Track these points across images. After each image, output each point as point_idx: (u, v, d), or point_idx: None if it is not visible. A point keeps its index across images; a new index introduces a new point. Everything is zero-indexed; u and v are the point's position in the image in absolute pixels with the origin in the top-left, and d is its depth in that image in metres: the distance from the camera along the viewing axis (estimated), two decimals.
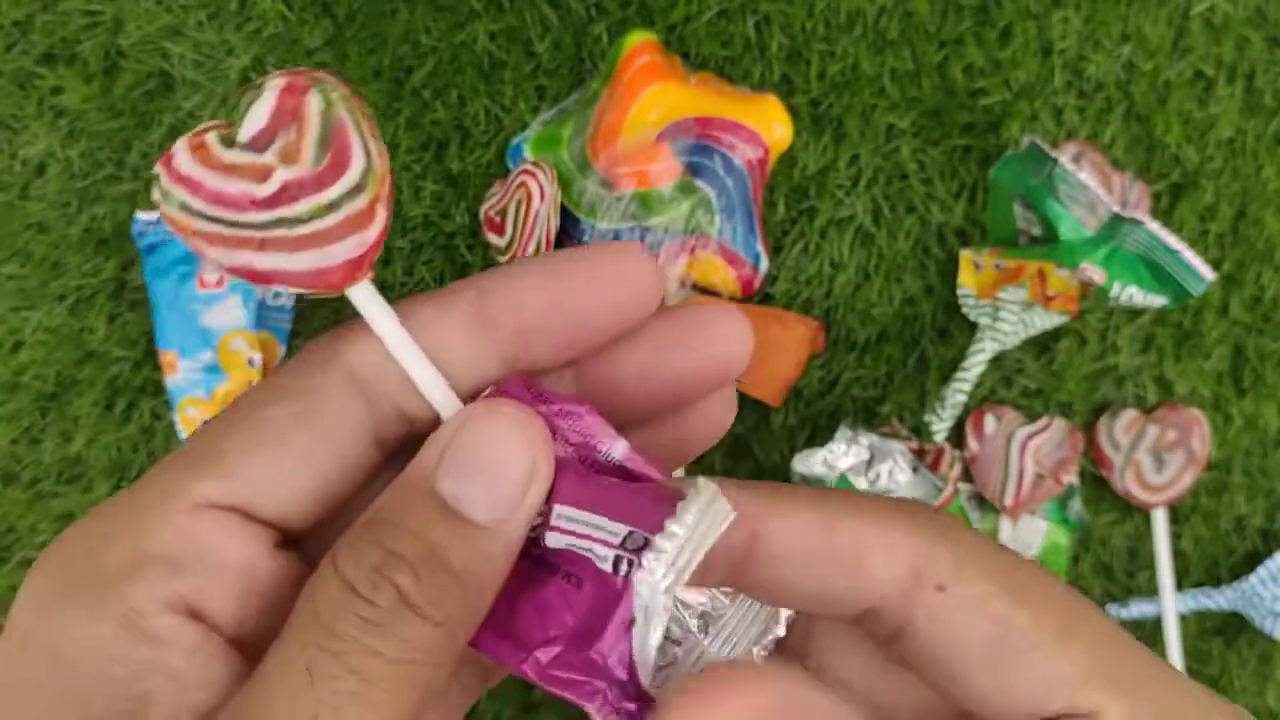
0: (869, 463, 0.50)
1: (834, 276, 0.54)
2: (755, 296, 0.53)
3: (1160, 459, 0.53)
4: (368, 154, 0.18)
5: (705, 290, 0.52)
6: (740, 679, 0.16)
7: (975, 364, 0.52)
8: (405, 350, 0.20)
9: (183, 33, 0.54)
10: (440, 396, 0.20)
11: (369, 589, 0.17)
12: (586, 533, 0.19)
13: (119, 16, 0.54)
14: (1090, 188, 0.49)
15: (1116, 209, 0.48)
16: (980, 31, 0.54)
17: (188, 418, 0.52)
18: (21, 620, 0.19)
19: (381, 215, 0.19)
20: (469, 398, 0.20)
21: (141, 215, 0.50)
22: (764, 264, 0.52)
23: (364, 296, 0.19)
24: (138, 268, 0.53)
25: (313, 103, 0.18)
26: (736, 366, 0.23)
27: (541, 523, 0.19)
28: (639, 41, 0.50)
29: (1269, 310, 0.55)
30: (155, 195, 0.18)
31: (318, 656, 0.17)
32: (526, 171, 0.49)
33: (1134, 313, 0.55)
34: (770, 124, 0.51)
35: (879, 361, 0.55)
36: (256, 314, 0.50)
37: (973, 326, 0.54)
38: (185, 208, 0.18)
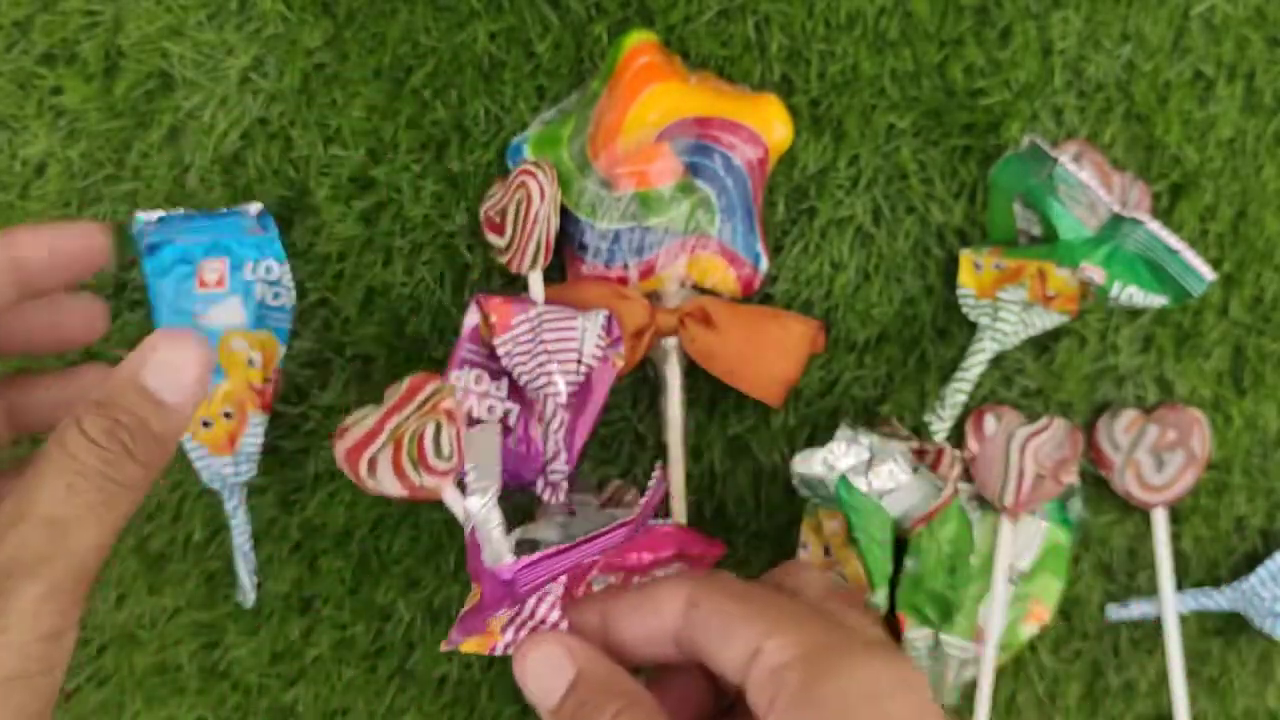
0: (869, 463, 0.50)
1: (834, 276, 0.54)
2: (755, 296, 0.53)
3: (1160, 459, 0.53)
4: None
5: (705, 290, 0.52)
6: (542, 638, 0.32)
7: (975, 364, 0.52)
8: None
9: (183, 33, 0.54)
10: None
11: (106, 441, 0.28)
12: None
13: (119, 16, 0.54)
14: (1090, 188, 0.49)
15: (1116, 209, 0.48)
16: (980, 31, 0.54)
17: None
18: None
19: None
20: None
21: (142, 215, 0.50)
22: (764, 264, 0.52)
23: None
24: (138, 268, 0.53)
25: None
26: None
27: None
28: (639, 41, 0.50)
29: (1269, 310, 0.55)
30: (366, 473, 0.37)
31: (75, 480, 0.27)
32: (526, 172, 0.49)
33: (1134, 313, 0.55)
34: (770, 124, 0.51)
35: (879, 361, 0.55)
36: (256, 314, 0.50)
37: (973, 326, 0.54)
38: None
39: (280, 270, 0.51)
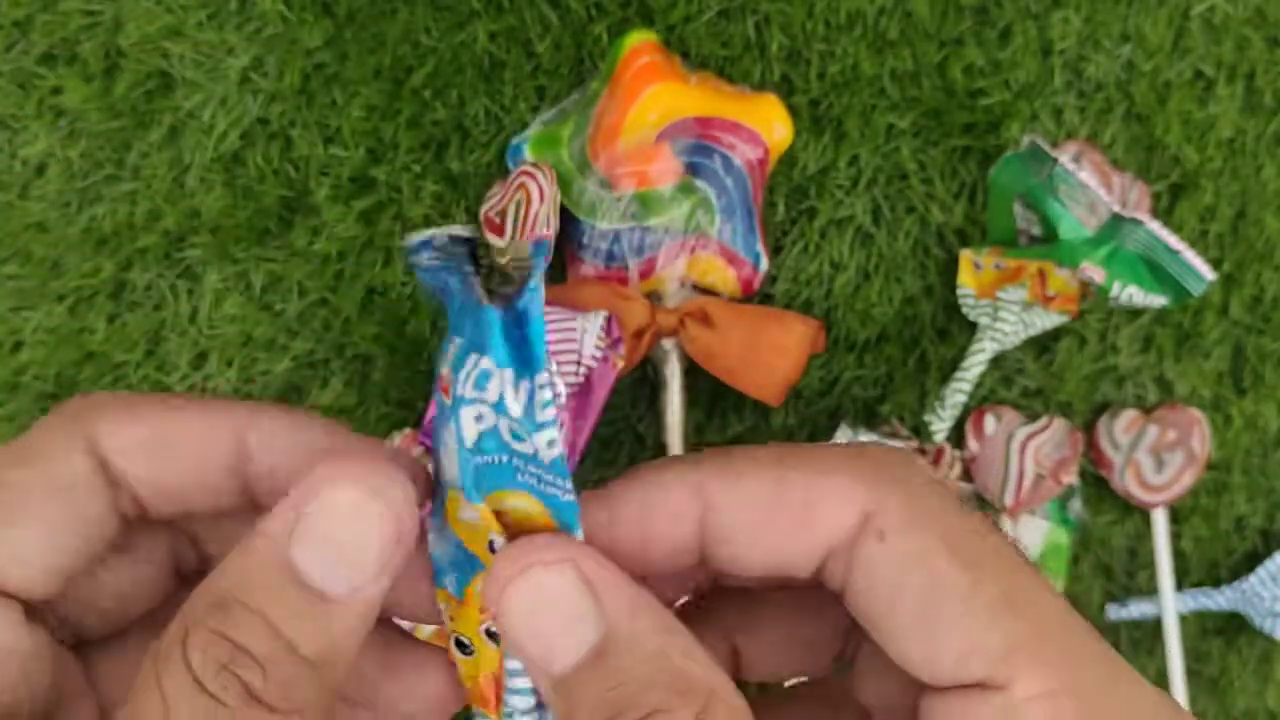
0: None
1: (834, 276, 0.54)
2: (755, 296, 0.53)
3: (1160, 459, 0.53)
4: None
5: (705, 290, 0.52)
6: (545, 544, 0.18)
7: (975, 364, 0.52)
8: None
9: (183, 33, 0.54)
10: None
11: (217, 686, 0.17)
12: None
13: (119, 16, 0.54)
14: (1090, 188, 0.49)
15: (1116, 209, 0.48)
16: (980, 31, 0.54)
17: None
18: None
19: None
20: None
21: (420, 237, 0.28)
22: (764, 264, 0.52)
23: None
24: (138, 268, 0.53)
25: None
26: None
27: None
28: (639, 41, 0.50)
29: (1269, 310, 0.55)
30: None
31: None
32: (526, 172, 0.49)
33: (1134, 313, 0.55)
34: (770, 124, 0.51)
35: (879, 361, 0.55)
36: (474, 470, 0.22)
37: (973, 326, 0.54)
38: None
39: (526, 391, 0.21)
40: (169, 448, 0.19)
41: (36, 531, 0.19)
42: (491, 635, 0.21)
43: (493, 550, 0.19)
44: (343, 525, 0.17)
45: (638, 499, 0.20)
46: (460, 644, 0.21)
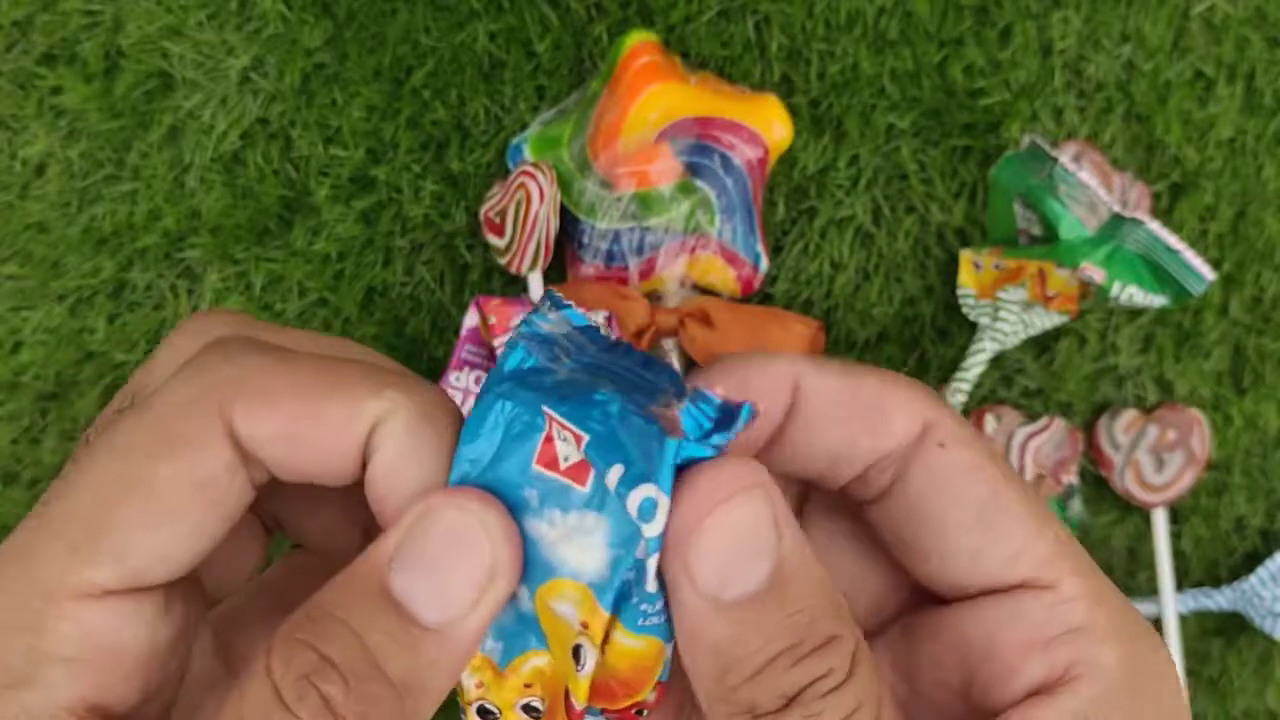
0: None
1: (834, 276, 0.54)
2: (755, 296, 0.53)
3: (1160, 459, 0.53)
4: None
5: (705, 290, 0.52)
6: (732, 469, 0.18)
7: (975, 364, 0.52)
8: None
9: (183, 33, 0.54)
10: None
11: (293, 698, 0.16)
12: None
13: (119, 16, 0.54)
14: (1090, 188, 0.49)
15: (1116, 209, 0.48)
16: (980, 31, 0.54)
17: None
18: None
19: None
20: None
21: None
22: (764, 264, 0.52)
23: None
24: (137, 268, 0.53)
25: None
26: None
27: None
28: (639, 41, 0.50)
29: (1269, 310, 0.55)
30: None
31: None
32: (526, 173, 0.49)
33: (1134, 313, 0.55)
34: (770, 124, 0.51)
35: (879, 361, 0.55)
36: (620, 587, 0.22)
37: (973, 326, 0.54)
38: None
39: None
40: (303, 440, 0.19)
41: (181, 530, 0.19)
42: (528, 709, 0.20)
43: (576, 659, 0.19)
44: (442, 553, 0.17)
45: (737, 378, 0.21)
46: (485, 711, 0.21)
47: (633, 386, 0.20)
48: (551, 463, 0.19)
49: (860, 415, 0.21)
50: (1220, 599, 0.54)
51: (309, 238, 0.54)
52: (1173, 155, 0.54)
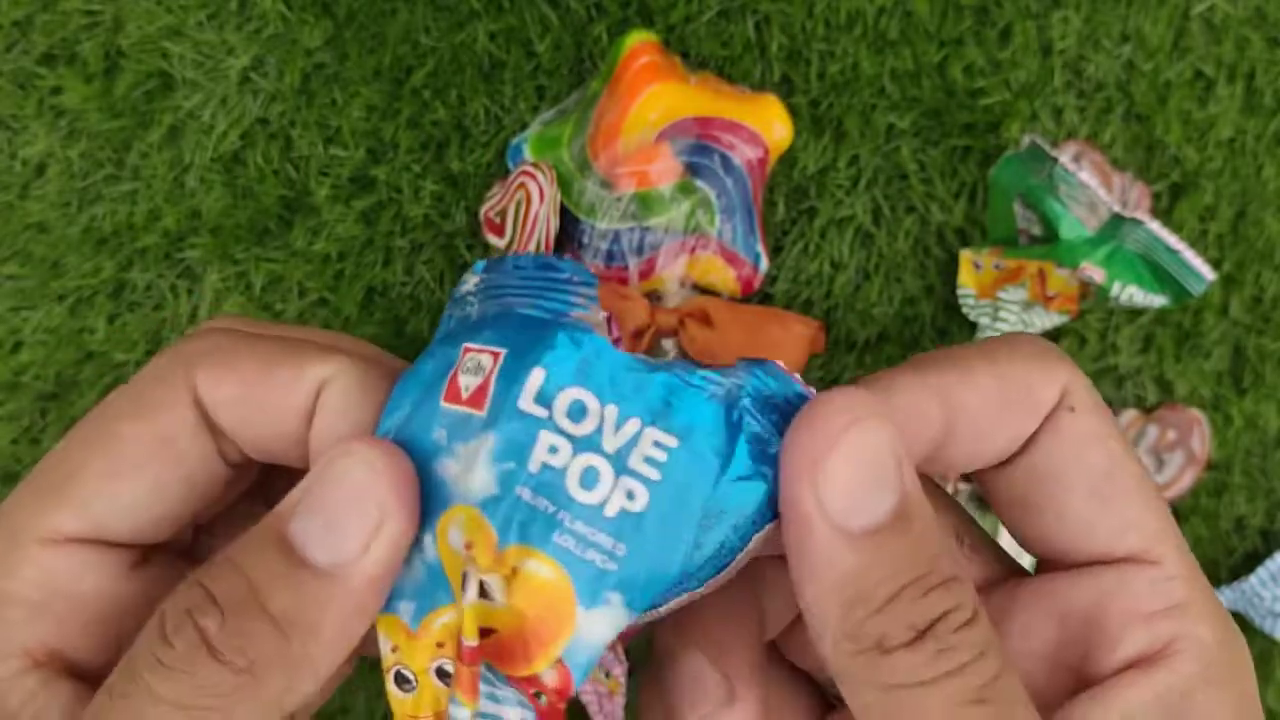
0: None
1: (834, 276, 0.54)
2: (755, 296, 0.53)
3: (1160, 459, 0.53)
4: None
5: (705, 290, 0.52)
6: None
7: None
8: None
9: (183, 33, 0.54)
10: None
11: (172, 629, 0.17)
12: None
13: (119, 16, 0.54)
14: (1090, 188, 0.49)
15: (1116, 209, 0.48)
16: (980, 31, 0.54)
17: None
18: None
19: None
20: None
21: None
22: (764, 264, 0.52)
23: None
24: (137, 268, 0.53)
25: None
26: None
27: None
28: (639, 41, 0.50)
29: (1269, 310, 0.55)
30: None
31: (104, 702, 0.17)
32: (526, 173, 0.49)
33: (1134, 313, 0.55)
34: (770, 124, 0.51)
35: (879, 361, 0.55)
36: (511, 512, 0.24)
37: (973, 326, 0.54)
38: None
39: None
40: (255, 400, 0.20)
41: (138, 484, 0.19)
42: (441, 674, 0.19)
43: (464, 588, 0.19)
44: (335, 498, 0.18)
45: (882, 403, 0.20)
46: (401, 678, 0.20)
47: (538, 292, 0.20)
48: (455, 396, 0.19)
49: (1016, 406, 0.21)
50: (1220, 599, 0.54)
51: (309, 238, 0.54)
52: (1173, 155, 0.54)
